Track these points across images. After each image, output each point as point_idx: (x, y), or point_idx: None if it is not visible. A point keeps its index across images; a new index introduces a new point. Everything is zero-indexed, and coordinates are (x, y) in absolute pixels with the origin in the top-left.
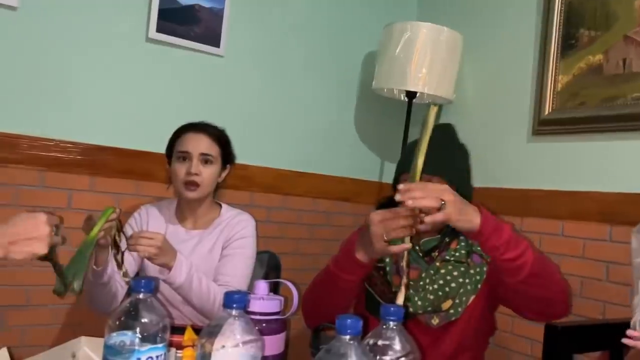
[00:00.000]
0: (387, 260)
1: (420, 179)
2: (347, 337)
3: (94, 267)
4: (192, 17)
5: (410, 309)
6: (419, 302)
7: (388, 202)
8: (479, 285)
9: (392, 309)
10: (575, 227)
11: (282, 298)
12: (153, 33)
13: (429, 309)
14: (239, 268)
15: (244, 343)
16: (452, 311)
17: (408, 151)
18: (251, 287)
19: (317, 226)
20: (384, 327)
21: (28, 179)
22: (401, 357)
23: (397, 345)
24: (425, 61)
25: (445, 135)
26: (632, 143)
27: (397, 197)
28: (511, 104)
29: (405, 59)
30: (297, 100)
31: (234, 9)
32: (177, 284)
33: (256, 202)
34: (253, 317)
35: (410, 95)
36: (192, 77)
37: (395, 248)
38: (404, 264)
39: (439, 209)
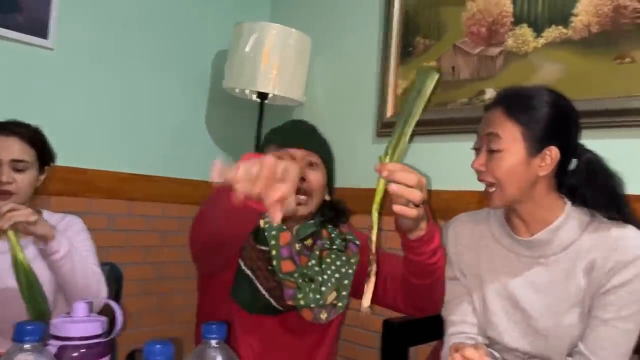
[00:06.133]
0: (273, 242)
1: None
2: None
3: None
4: (11, 4)
5: (301, 302)
6: (311, 295)
7: None
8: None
9: (213, 326)
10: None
11: (104, 318)
12: None
13: (321, 302)
14: (88, 256)
15: None
16: (339, 304)
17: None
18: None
19: (169, 233)
20: (205, 345)
21: None
22: None
23: None
24: (274, 62)
25: (318, 130)
26: (462, 144)
27: (384, 174)
28: (358, 107)
29: (255, 60)
30: (141, 99)
31: None
32: (63, 253)
33: (95, 210)
34: (72, 342)
35: (262, 96)
36: (15, 73)
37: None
38: (372, 247)
39: (417, 205)
